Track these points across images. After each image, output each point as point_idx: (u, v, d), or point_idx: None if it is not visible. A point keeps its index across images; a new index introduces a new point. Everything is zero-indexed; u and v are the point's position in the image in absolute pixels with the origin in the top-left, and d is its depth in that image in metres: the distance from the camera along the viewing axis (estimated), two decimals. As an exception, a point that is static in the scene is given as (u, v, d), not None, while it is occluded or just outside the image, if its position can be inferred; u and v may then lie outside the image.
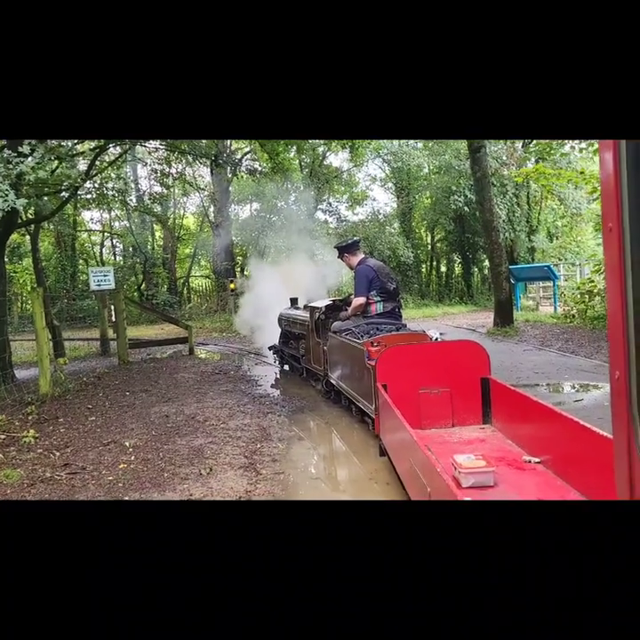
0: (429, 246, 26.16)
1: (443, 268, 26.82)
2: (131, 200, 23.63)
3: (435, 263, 26.51)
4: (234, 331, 16.17)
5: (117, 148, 9.51)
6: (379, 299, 5.63)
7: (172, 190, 24.86)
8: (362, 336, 5.24)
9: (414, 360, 4.39)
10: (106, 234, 26.30)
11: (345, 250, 6.14)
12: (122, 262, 25.51)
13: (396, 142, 19.45)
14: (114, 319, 18.57)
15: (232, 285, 16.34)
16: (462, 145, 19.69)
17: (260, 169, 9.28)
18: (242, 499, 3.89)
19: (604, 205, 1.08)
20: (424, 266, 26.07)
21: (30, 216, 11.17)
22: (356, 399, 5.25)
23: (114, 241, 26.56)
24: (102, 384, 8.20)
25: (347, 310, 6.04)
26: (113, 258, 26.56)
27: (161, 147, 10.15)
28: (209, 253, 25.15)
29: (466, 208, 18.69)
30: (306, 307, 7.75)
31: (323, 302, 7.17)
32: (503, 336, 11.53)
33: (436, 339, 5.54)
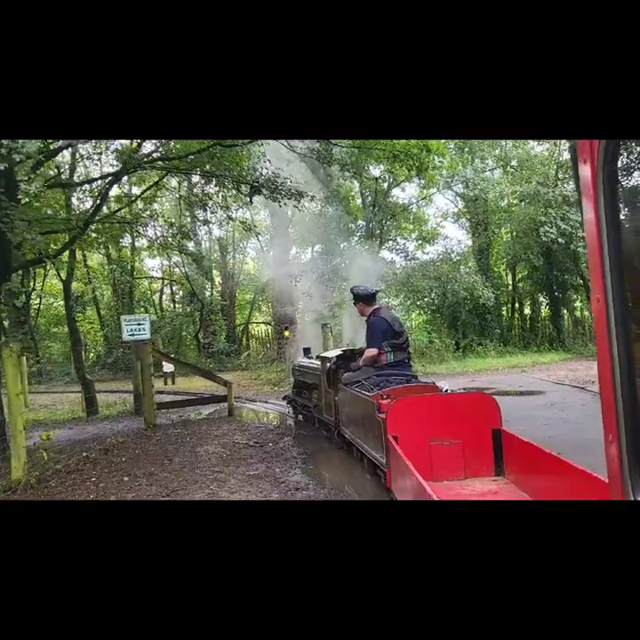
0: (510, 286, 23.48)
1: (526, 311, 23.96)
2: (189, 245, 22.98)
3: (517, 305, 23.73)
4: (289, 384, 14.34)
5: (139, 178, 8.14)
6: (389, 349, 5.65)
7: (231, 234, 24.07)
8: (372, 388, 5.18)
9: (425, 412, 4.38)
10: (165, 280, 25.71)
11: (363, 299, 6.07)
12: (180, 309, 24.67)
13: (469, 169, 17.40)
14: (164, 370, 17.44)
15: (287, 333, 14.62)
16: (551, 170, 17.41)
17: (306, 194, 7.50)
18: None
19: (591, 279, 1.15)
20: (505, 308, 23.36)
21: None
22: (367, 452, 5.11)
23: (173, 288, 25.87)
24: (105, 461, 6.50)
25: (358, 360, 6.05)
26: (172, 305, 25.83)
27: (194, 174, 8.76)
28: (269, 299, 23.85)
29: (560, 240, 16.05)
30: (318, 357, 7.67)
31: (334, 352, 7.07)
32: (625, 397, 8.86)
33: (446, 390, 5.41)
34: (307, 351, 9.18)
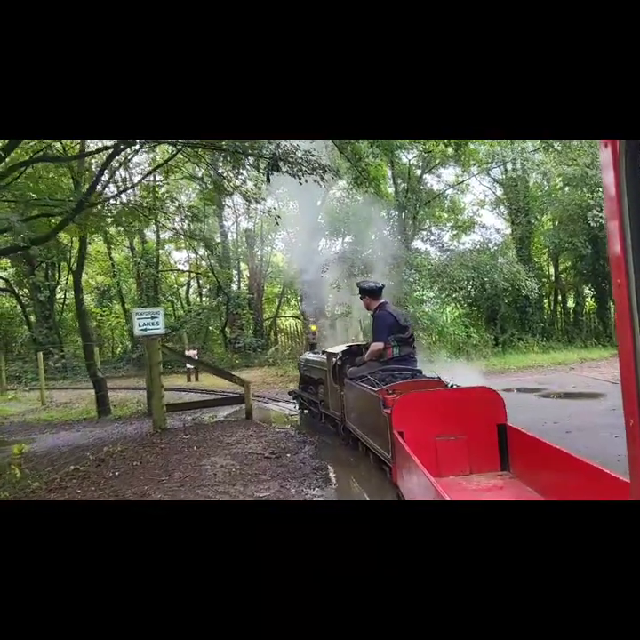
0: (553, 277, 21.98)
1: (570, 303, 22.41)
2: (215, 237, 22.25)
3: (560, 297, 22.20)
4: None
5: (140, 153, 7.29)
6: (395, 343, 5.66)
7: (259, 225, 23.28)
8: (377, 383, 5.20)
9: (430, 407, 4.39)
10: (192, 273, 25.09)
11: (369, 293, 6.04)
12: (206, 303, 24.00)
13: (509, 150, 16.08)
14: (187, 366, 16.72)
15: (313, 327, 13.66)
16: (599, 150, 15.90)
17: (331, 169, 6.53)
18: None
19: (612, 264, 1.14)
20: (546, 300, 21.88)
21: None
22: (372, 447, 5.16)
23: (199, 281, 25.22)
24: (96, 475, 5.69)
25: (364, 355, 6.04)
26: (199, 299, 25.21)
27: (209, 150, 7.88)
28: (298, 291, 22.99)
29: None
30: (324, 352, 7.66)
31: (340, 347, 7.00)
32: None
33: (452, 385, 5.26)
34: (313, 346, 9.22)
